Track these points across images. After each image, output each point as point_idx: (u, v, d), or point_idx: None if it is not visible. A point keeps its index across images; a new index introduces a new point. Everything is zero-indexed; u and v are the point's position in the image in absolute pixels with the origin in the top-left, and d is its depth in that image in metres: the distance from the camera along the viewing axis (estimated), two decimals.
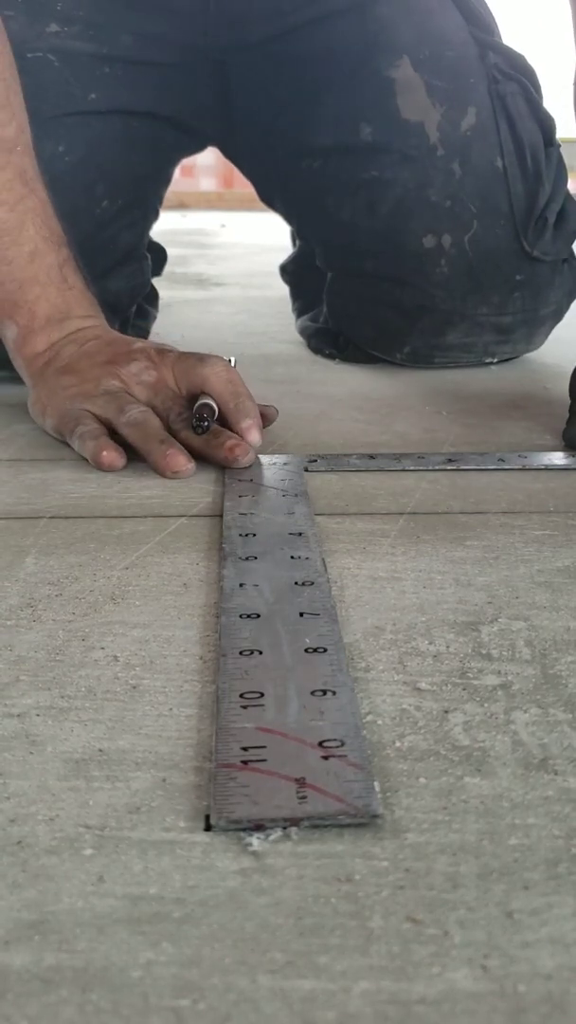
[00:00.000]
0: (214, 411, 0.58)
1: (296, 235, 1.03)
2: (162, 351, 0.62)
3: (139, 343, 0.64)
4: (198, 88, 0.89)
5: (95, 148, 0.83)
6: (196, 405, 0.58)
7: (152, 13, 0.84)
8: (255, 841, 0.26)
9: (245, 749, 0.29)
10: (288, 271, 1.08)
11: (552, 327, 0.93)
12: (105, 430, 0.58)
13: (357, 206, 0.85)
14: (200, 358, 0.61)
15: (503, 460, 0.60)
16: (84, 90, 0.82)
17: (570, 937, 0.23)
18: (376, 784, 0.28)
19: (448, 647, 0.37)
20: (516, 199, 0.84)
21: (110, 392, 0.60)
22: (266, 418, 0.65)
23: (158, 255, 1.06)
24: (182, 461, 0.56)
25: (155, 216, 0.96)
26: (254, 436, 0.58)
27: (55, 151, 0.80)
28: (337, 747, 0.29)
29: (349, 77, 0.84)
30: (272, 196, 0.97)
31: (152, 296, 1.02)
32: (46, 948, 0.23)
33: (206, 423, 0.56)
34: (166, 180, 0.97)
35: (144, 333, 0.97)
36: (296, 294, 1.07)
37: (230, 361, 0.74)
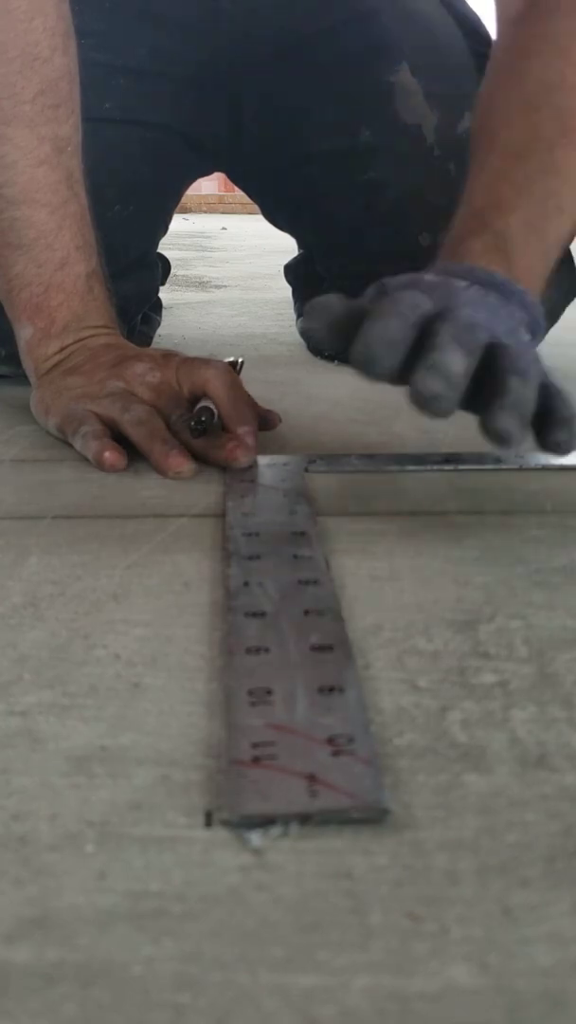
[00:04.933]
0: (213, 414, 0.58)
1: (299, 244, 1.04)
2: (168, 354, 0.63)
3: (147, 349, 0.65)
4: (208, 102, 0.90)
5: (108, 154, 0.83)
6: (196, 408, 0.58)
7: (166, 28, 0.85)
8: (255, 837, 0.26)
9: (255, 746, 0.30)
10: (293, 271, 1.09)
11: (548, 327, 0.93)
12: (108, 431, 0.59)
13: (355, 207, 0.86)
14: (204, 362, 0.61)
15: (500, 460, 0.60)
16: (99, 99, 0.83)
17: (568, 933, 0.24)
18: (387, 779, 0.28)
19: (446, 645, 0.37)
20: None
21: (114, 393, 0.60)
22: (268, 423, 0.65)
23: (162, 265, 1.07)
24: (183, 461, 0.56)
25: (164, 229, 0.97)
26: (249, 443, 0.58)
27: None
28: (346, 743, 0.30)
29: (351, 84, 0.85)
30: (275, 211, 0.98)
31: (156, 304, 1.03)
32: (48, 944, 0.23)
33: (203, 425, 0.57)
34: (175, 195, 0.97)
35: (148, 339, 0.97)
36: (299, 295, 1.08)
37: (237, 362, 0.74)
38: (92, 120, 0.83)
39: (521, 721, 0.32)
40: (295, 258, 1.08)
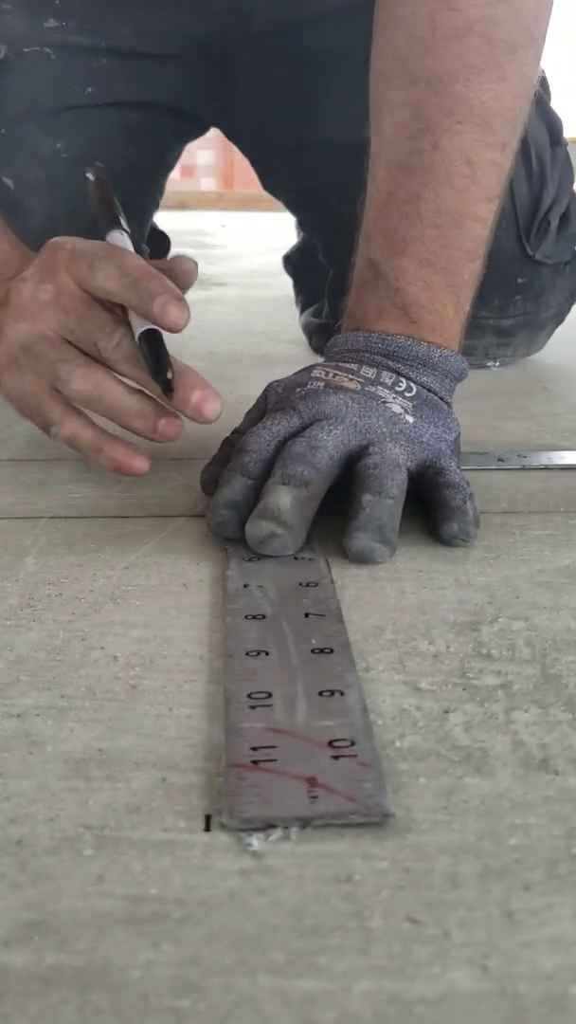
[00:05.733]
0: (162, 342, 0.47)
1: (299, 227, 1.02)
2: (53, 252, 0.51)
3: (30, 255, 0.55)
4: (199, 78, 0.88)
5: (94, 143, 0.82)
6: (139, 341, 0.47)
7: (152, 5, 0.83)
8: (255, 841, 0.26)
9: (255, 749, 0.29)
10: (292, 261, 1.06)
11: (553, 330, 0.93)
12: (93, 426, 0.50)
13: (360, 204, 0.85)
14: (91, 263, 0.48)
15: (503, 460, 0.60)
16: (81, 84, 0.82)
17: (570, 937, 0.23)
18: (389, 782, 0.28)
19: (448, 647, 0.37)
20: (520, 200, 0.83)
21: (26, 348, 0.50)
22: (185, 278, 0.53)
23: (162, 242, 1.06)
24: (139, 464, 0.50)
25: (155, 207, 0.95)
26: (173, 315, 0.46)
27: (53, 148, 0.80)
28: (347, 747, 0.30)
29: (354, 76, 0.83)
30: (274, 186, 0.96)
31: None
32: (46, 948, 0.23)
33: (170, 374, 0.46)
34: (166, 169, 0.95)
35: None
36: (300, 287, 1.05)
37: (96, 178, 0.61)
38: (74, 108, 0.81)
39: (524, 723, 0.32)
40: (294, 247, 1.06)
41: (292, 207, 0.97)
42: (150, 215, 0.96)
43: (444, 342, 0.53)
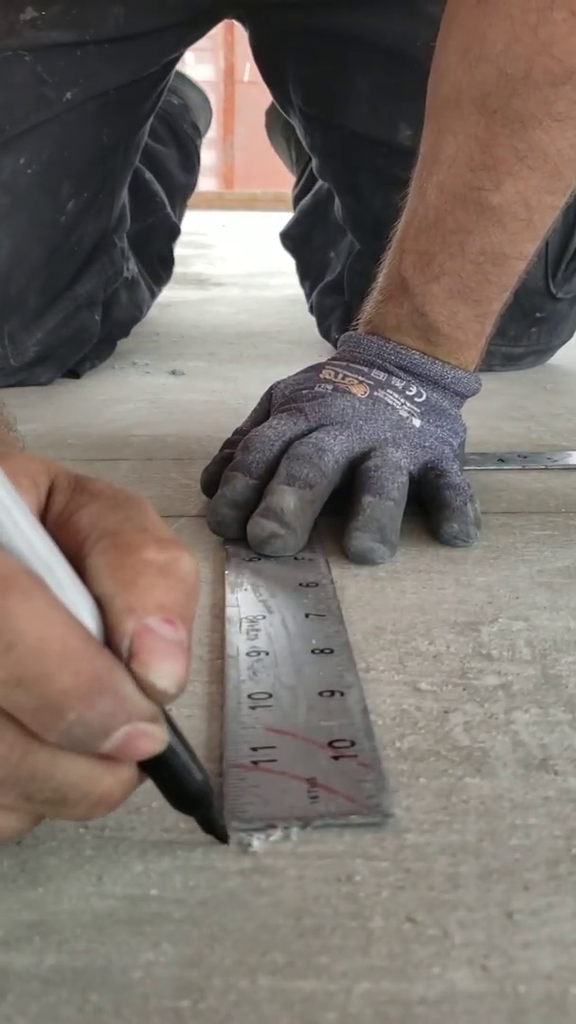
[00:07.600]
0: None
1: (318, 175, 0.94)
2: None
3: None
4: (201, 31, 0.84)
5: (63, 144, 0.77)
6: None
7: None
8: (255, 842, 0.26)
9: (255, 749, 0.29)
10: (291, 236, 1.02)
11: (559, 348, 0.92)
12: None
13: (390, 202, 0.81)
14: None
15: (503, 460, 0.60)
16: (60, 89, 0.76)
17: (570, 938, 0.23)
18: (389, 782, 0.28)
19: (448, 647, 0.37)
20: (551, 235, 0.80)
21: None
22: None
23: (167, 235, 1.03)
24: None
25: (128, 177, 0.88)
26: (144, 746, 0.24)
27: (16, 165, 0.75)
28: (347, 747, 0.30)
29: (386, 70, 0.79)
30: (287, 106, 0.89)
31: (166, 261, 1.00)
32: (46, 949, 0.23)
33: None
34: (147, 117, 0.88)
35: (139, 313, 0.94)
36: (303, 264, 1.02)
37: None
38: (46, 123, 0.75)
39: (524, 724, 0.32)
40: (291, 222, 1.02)
41: (309, 148, 0.91)
42: (118, 199, 0.87)
43: (460, 363, 0.53)
